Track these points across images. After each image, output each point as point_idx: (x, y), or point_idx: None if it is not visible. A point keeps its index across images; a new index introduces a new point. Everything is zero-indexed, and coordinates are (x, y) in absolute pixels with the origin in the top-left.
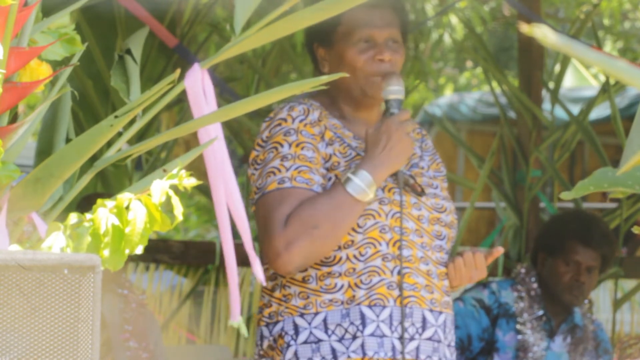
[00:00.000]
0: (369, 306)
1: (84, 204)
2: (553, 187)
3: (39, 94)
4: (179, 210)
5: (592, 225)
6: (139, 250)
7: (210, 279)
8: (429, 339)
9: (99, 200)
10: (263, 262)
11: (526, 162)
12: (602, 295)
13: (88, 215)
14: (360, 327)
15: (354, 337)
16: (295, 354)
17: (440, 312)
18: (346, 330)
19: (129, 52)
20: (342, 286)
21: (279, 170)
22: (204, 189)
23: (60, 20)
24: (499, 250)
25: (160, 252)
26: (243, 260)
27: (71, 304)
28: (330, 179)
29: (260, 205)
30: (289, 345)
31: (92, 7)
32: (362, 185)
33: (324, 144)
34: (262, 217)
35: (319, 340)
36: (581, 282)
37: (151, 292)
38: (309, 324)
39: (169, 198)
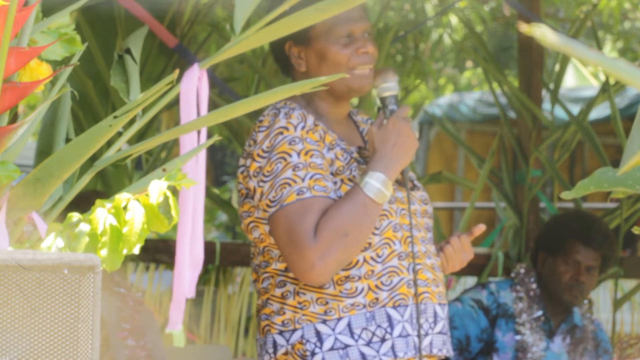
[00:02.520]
0: (394, 307)
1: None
2: (553, 187)
3: (39, 94)
4: (177, 210)
5: (592, 225)
6: (137, 250)
7: (211, 279)
8: (439, 332)
9: (98, 201)
10: (258, 272)
11: (526, 162)
12: (602, 295)
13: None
14: (389, 329)
15: (383, 340)
16: None
17: (445, 305)
18: (373, 334)
19: (128, 51)
20: (362, 289)
21: (294, 181)
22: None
23: (60, 20)
24: (481, 228)
25: (160, 252)
26: (243, 260)
27: (71, 304)
28: (335, 183)
29: (279, 218)
30: (313, 354)
31: (92, 7)
32: (380, 187)
33: (326, 149)
34: (286, 230)
35: (347, 346)
36: (581, 281)
37: (151, 292)
38: (333, 330)
39: (167, 199)
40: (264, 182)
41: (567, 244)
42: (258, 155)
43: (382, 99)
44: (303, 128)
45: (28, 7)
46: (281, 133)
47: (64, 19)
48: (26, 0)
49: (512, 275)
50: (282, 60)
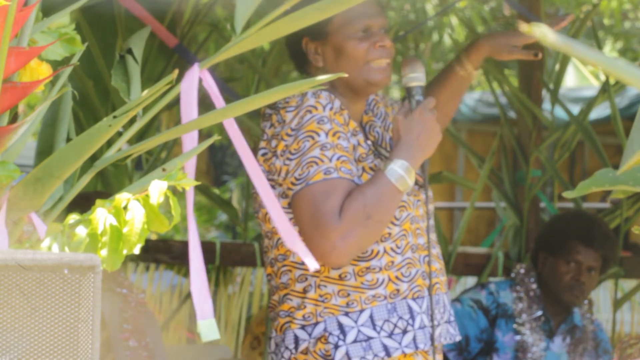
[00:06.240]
0: (414, 299)
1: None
2: (553, 187)
3: (39, 94)
4: (177, 210)
5: (593, 225)
6: (137, 250)
7: (210, 278)
8: (447, 321)
9: (98, 201)
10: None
11: (526, 162)
12: (602, 295)
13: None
14: (410, 321)
15: (405, 332)
16: (347, 354)
17: (448, 292)
18: (395, 325)
19: (130, 51)
20: (383, 281)
21: (322, 160)
22: (204, 189)
23: (60, 20)
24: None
25: (160, 252)
26: (243, 260)
27: (71, 304)
28: (357, 169)
29: (304, 196)
30: (337, 346)
31: (92, 7)
32: (403, 173)
33: (350, 134)
34: (309, 208)
35: (369, 338)
36: (581, 282)
37: (151, 292)
38: (355, 322)
39: (167, 198)
40: (290, 160)
41: (567, 244)
42: (286, 134)
43: (409, 89)
44: (331, 109)
45: (28, 7)
46: (310, 111)
47: (64, 19)
48: (26, 0)
49: (512, 275)
50: (297, 57)
